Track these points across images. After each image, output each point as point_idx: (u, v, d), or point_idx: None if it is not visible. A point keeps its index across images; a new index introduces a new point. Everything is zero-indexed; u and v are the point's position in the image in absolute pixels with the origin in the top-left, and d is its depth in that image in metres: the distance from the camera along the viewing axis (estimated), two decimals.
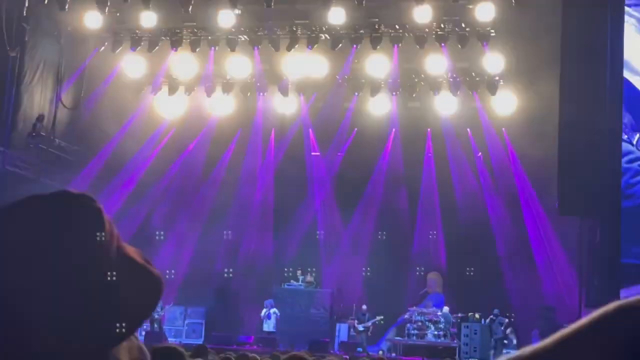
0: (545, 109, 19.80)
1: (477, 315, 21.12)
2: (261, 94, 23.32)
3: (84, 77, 22.01)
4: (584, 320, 1.18)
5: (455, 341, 20.46)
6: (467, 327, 20.76)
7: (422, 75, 22.10)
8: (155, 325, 20.49)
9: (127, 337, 1.44)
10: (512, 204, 22.57)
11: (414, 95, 22.55)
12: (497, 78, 21.47)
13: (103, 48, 22.08)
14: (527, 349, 1.22)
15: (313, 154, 24.34)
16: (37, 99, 20.69)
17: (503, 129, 22.38)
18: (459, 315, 21.14)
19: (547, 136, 19.59)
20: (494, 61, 21.07)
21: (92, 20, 20.97)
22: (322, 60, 21.95)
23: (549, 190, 19.86)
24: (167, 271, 19.94)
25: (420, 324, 20.58)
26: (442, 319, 20.70)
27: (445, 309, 21.07)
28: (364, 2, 19.92)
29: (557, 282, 21.06)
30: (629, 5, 18.72)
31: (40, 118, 20.38)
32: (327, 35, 21.37)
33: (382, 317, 21.05)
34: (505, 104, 21.78)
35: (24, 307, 1.34)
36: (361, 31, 21.20)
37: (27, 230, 1.37)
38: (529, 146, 21.01)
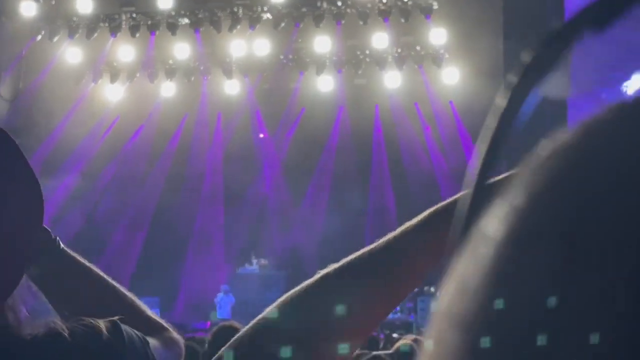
0: (491, 80, 19.85)
1: (432, 289, 21.20)
2: (205, 77, 23.01)
3: (22, 67, 21.50)
4: None
5: (411, 315, 20.51)
6: (423, 301, 20.84)
7: (367, 52, 21.99)
8: None
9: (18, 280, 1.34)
10: (462, 177, 22.59)
11: (359, 72, 22.44)
12: (441, 51, 21.45)
13: (40, 37, 21.57)
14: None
15: (261, 136, 24.17)
16: None
17: (450, 101, 22.42)
18: (415, 289, 21.19)
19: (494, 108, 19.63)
20: (437, 34, 21.05)
21: (27, 8, 20.53)
22: (265, 40, 21.73)
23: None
24: (117, 262, 19.67)
25: None
26: None
27: None
28: None
29: None
30: None
31: None
32: (269, 15, 21.15)
33: None
34: (451, 76, 21.80)
35: None
36: (303, 9, 21.01)
37: None
38: (476, 118, 21.05)
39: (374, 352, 5.70)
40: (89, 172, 22.40)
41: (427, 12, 20.50)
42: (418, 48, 21.83)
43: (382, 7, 20.54)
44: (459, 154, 22.77)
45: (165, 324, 1.70)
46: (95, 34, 21.43)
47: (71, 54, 22.03)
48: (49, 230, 1.67)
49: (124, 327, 1.45)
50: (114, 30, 21.45)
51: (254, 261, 22.05)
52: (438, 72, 21.90)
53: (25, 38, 21.53)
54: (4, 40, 21.01)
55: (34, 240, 1.39)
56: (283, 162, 23.83)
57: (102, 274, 1.72)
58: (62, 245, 1.69)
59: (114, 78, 22.67)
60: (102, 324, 1.43)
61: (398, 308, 20.50)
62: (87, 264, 1.72)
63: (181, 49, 22.06)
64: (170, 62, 22.51)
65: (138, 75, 22.66)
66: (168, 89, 23.00)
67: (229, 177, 23.24)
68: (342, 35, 21.71)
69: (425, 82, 22.44)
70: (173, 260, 22.07)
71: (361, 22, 20.76)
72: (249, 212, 23.21)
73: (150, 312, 1.72)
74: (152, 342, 1.53)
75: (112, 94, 22.99)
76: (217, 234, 23.50)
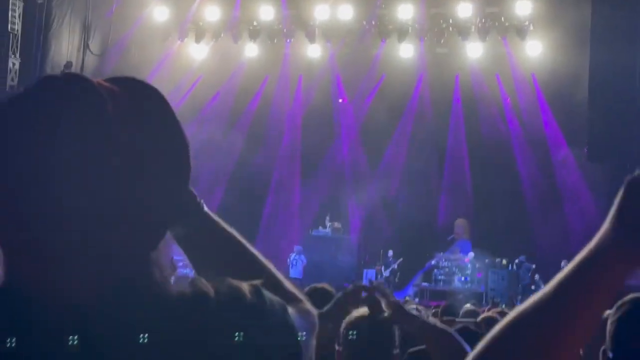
0: (576, 53, 19.55)
1: (504, 262, 21.16)
2: (288, 40, 23.15)
3: (111, 23, 21.94)
4: None
5: (482, 287, 20.53)
6: (494, 273, 20.81)
7: (451, 21, 21.80)
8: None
9: (163, 234, 1.38)
10: (540, 150, 22.43)
11: (442, 41, 22.28)
12: (526, 23, 21.14)
13: None
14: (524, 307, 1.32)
15: (340, 101, 24.26)
16: (65, 45, 20.73)
17: (532, 73, 22.14)
18: (486, 261, 21.19)
19: (577, 81, 19.38)
20: (523, 5, 20.77)
21: None
22: (349, 6, 21.74)
23: (579, 136, 19.71)
24: None
25: (447, 269, 20.67)
26: (469, 265, 20.76)
27: (471, 254, 21.11)
28: None
29: (585, 229, 20.97)
30: None
31: (67, 65, 20.42)
32: None
33: (401, 259, 21.13)
34: (535, 48, 21.50)
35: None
36: None
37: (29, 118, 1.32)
38: (558, 91, 20.81)
39: (462, 322, 5.80)
40: None
41: None
42: (502, 19, 21.55)
43: None
44: (538, 126, 22.54)
45: (300, 296, 1.70)
46: None
47: (159, 12, 22.40)
48: (194, 192, 1.71)
49: (265, 292, 1.48)
50: None
51: (328, 224, 22.25)
52: (521, 44, 21.62)
53: None
54: None
55: (180, 195, 1.42)
56: (361, 127, 23.88)
57: (243, 240, 1.76)
58: (205, 208, 1.73)
59: (199, 37, 22.96)
60: (246, 286, 1.46)
61: (468, 278, 20.55)
62: (229, 229, 1.76)
63: (266, 11, 22.22)
64: (255, 23, 22.69)
65: (222, 35, 22.92)
66: (251, 50, 23.23)
67: (307, 140, 23.44)
68: (426, 4, 21.59)
69: (508, 53, 22.20)
70: (248, 220, 22.35)
71: None
72: (325, 176, 23.40)
73: (287, 283, 1.72)
74: (290, 310, 1.54)
75: (197, 53, 23.33)
76: (293, 196, 23.75)
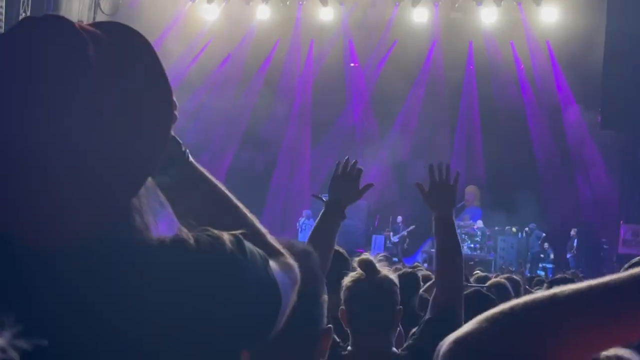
0: (592, 20, 19.31)
1: (513, 229, 21.12)
2: (301, 2, 22.95)
3: None
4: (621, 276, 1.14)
5: (491, 254, 20.51)
6: (504, 240, 20.78)
7: None
8: None
9: (143, 181, 1.37)
10: (553, 117, 22.30)
11: (456, 6, 22.05)
12: None
13: None
14: (564, 290, 1.18)
15: (352, 65, 24.11)
16: (76, 5, 20.60)
17: (547, 40, 21.91)
18: (496, 228, 21.15)
19: (592, 48, 19.15)
20: None
21: None
22: None
23: (593, 104, 19.55)
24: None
25: None
26: (479, 232, 20.72)
27: (479, 222, 21.06)
28: None
29: (596, 198, 20.88)
30: None
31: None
32: None
33: (414, 226, 21.07)
34: (550, 15, 21.22)
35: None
36: None
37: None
38: (573, 58, 20.59)
39: (473, 286, 5.85)
40: (181, 90, 22.67)
41: None
42: None
43: None
44: (552, 94, 22.37)
45: (282, 250, 1.70)
46: None
47: None
48: (180, 141, 1.70)
49: (246, 242, 1.48)
50: None
51: None
52: (537, 10, 21.35)
53: None
54: None
55: (162, 142, 1.40)
56: (372, 92, 23.76)
57: (227, 191, 1.75)
58: (190, 157, 1.72)
59: None
60: (226, 236, 1.46)
61: (477, 245, 20.52)
62: (214, 180, 1.75)
63: None
64: None
65: None
66: (263, 13, 23.00)
67: (318, 105, 23.33)
68: None
69: (523, 19, 21.94)
70: (258, 184, 22.33)
71: None
72: (335, 140, 23.32)
73: (269, 237, 1.72)
74: (271, 262, 1.55)
75: (208, 14, 23.14)
76: (303, 160, 23.70)
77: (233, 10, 23.02)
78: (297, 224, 21.37)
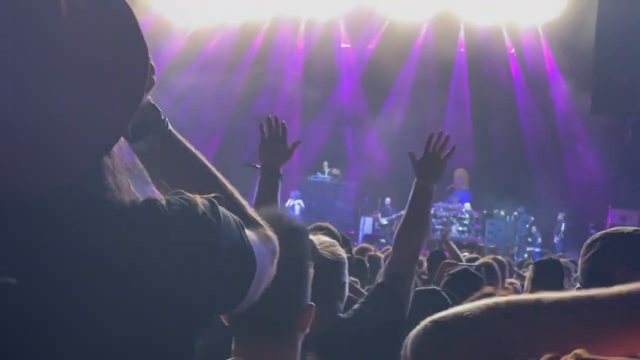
0: (585, 5, 19.29)
1: (502, 213, 21.16)
2: None
3: None
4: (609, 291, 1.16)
5: (479, 237, 20.55)
6: (492, 224, 20.83)
7: None
8: None
9: (115, 140, 1.35)
10: (543, 101, 22.31)
11: None
12: None
13: None
14: (549, 297, 1.20)
15: (343, 45, 24.01)
16: None
17: (539, 23, 21.89)
18: (484, 211, 21.19)
19: (583, 33, 19.14)
20: None
21: None
22: None
23: (583, 88, 19.57)
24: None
25: (445, 219, 20.65)
26: (467, 215, 20.75)
27: (468, 205, 21.08)
28: None
29: (585, 181, 20.92)
30: None
31: None
32: None
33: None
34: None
35: None
36: None
37: None
38: (564, 42, 20.58)
39: (462, 265, 6.03)
40: (167, 73, 22.52)
41: None
42: None
43: None
44: (542, 77, 22.37)
45: (261, 221, 1.69)
46: None
47: None
48: (159, 109, 1.70)
49: (220, 207, 1.47)
50: None
51: (326, 170, 22.22)
52: None
53: None
54: None
55: (134, 104, 1.37)
56: (363, 73, 23.70)
57: (206, 161, 1.75)
58: (170, 126, 1.71)
59: None
60: (199, 199, 1.45)
61: (466, 228, 20.55)
62: (193, 149, 1.75)
63: None
64: None
65: None
66: None
67: (308, 85, 23.26)
68: None
69: (515, 3, 21.88)
70: (246, 169, 22.22)
71: None
72: (324, 121, 23.28)
73: (248, 208, 1.72)
74: (248, 232, 1.54)
75: None
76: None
77: None
78: (285, 204, 21.35)
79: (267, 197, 3.57)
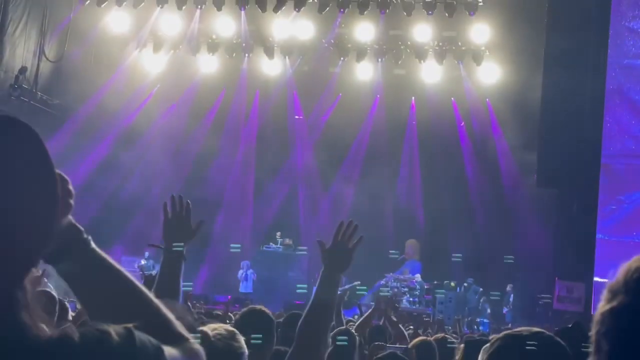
0: (530, 81, 19.89)
1: (452, 283, 21.29)
2: (246, 55, 23.17)
3: (69, 30, 21.73)
4: None
5: (429, 308, 20.63)
6: (443, 294, 20.92)
7: (409, 43, 22.04)
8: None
9: (28, 270, 1.39)
10: (493, 174, 22.69)
11: (399, 62, 22.49)
12: (483, 48, 21.48)
13: (88, 2, 21.77)
14: None
15: (297, 117, 24.31)
16: (20, 51, 20.45)
17: (487, 99, 22.46)
18: (435, 282, 21.30)
19: (530, 107, 19.71)
20: (480, 31, 21.11)
21: None
22: (308, 23, 21.86)
23: (529, 162, 20.01)
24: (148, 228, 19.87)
25: (396, 290, 20.72)
26: (418, 286, 20.87)
27: (418, 276, 21.20)
28: None
29: (532, 255, 21.21)
30: None
31: (22, 70, 20.14)
32: None
33: (358, 282, 21.15)
34: (490, 74, 21.84)
35: None
36: None
37: None
38: (512, 117, 21.11)
39: (390, 349, 5.84)
40: (125, 137, 22.51)
41: (472, 9, 20.53)
42: (459, 43, 21.87)
43: (428, 0, 20.59)
44: (491, 151, 22.81)
45: (188, 335, 1.70)
46: (143, 3, 21.60)
47: (118, 20, 22.21)
48: (81, 229, 1.69)
49: (137, 334, 1.47)
50: (161, 2, 21.60)
51: (279, 240, 22.25)
52: (477, 69, 21.94)
53: (73, 2, 21.78)
54: (53, 3, 21.27)
55: (48, 230, 1.40)
56: (316, 145, 23.93)
57: (131, 277, 1.73)
58: (93, 244, 1.71)
59: (157, 48, 22.81)
60: (114, 329, 1.45)
61: (417, 299, 20.63)
62: (118, 266, 1.73)
63: (225, 25, 22.24)
64: (214, 37, 22.68)
65: (181, 47, 22.84)
66: (209, 64, 23.18)
67: (262, 156, 23.43)
68: (385, 25, 21.80)
69: (464, 78, 22.49)
70: (198, 237, 22.12)
71: (405, 14, 20.85)
72: (278, 192, 23.40)
73: (175, 322, 1.72)
74: (170, 351, 1.54)
75: (154, 64, 23.19)
76: (245, 212, 23.66)
77: (179, 61, 23.14)
78: (238, 275, 21.29)
79: (168, 282, 3.53)
